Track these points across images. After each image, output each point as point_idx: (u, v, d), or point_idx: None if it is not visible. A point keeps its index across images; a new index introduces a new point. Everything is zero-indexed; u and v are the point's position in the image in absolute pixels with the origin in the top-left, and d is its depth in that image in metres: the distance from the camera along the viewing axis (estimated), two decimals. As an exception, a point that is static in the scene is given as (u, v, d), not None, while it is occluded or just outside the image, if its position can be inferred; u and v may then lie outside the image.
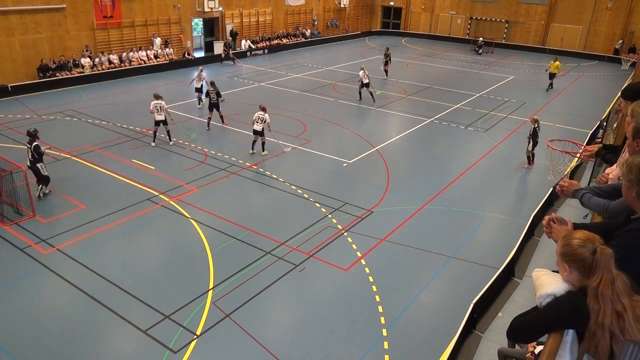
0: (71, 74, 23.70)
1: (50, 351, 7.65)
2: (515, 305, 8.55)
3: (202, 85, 20.55)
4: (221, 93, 18.32)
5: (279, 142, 16.12)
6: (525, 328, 3.08)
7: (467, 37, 41.78)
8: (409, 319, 8.60)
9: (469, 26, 42.30)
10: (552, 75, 26.04)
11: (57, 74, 23.31)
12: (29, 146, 12.13)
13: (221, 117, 18.16)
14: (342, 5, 41.74)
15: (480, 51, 37.53)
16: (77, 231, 10.93)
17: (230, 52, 30.63)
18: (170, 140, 16.14)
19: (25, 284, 9.21)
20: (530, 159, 15.34)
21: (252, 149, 15.72)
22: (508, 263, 9.38)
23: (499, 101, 23.45)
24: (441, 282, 9.72)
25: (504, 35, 40.62)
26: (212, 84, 18.00)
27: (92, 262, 9.81)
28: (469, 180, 14.48)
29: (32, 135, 12.18)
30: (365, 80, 21.78)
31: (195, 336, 7.97)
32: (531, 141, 15.03)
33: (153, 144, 15.98)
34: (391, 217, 12.05)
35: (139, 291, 9.01)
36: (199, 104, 20.98)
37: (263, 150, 15.71)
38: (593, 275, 2.75)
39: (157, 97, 15.72)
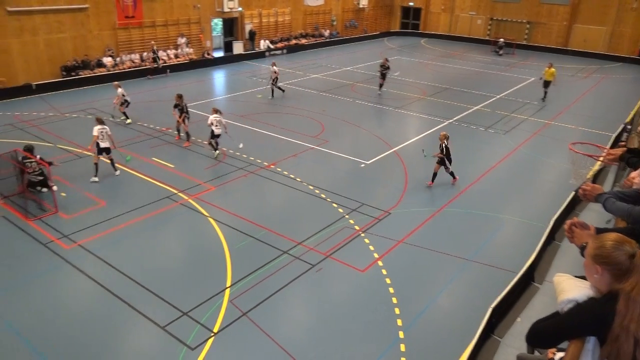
0: (93, 73, 24.09)
1: (70, 344, 7.78)
2: (534, 310, 8.42)
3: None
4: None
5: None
6: (546, 334, 3.03)
7: (487, 38, 41.36)
8: (426, 322, 8.54)
9: (489, 27, 41.86)
10: (546, 84, 23.17)
11: (80, 73, 23.71)
12: (33, 159, 12.11)
13: (186, 133, 16.70)
14: (361, 6, 41.66)
15: (500, 52, 37.11)
16: (97, 227, 11.11)
17: (159, 63, 26.37)
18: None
19: (48, 278, 9.39)
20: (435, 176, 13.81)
21: (217, 150, 15.39)
22: (528, 267, 9.25)
23: (520, 103, 23.16)
24: (459, 285, 9.64)
25: (525, 36, 40.10)
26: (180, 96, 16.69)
27: (112, 258, 9.96)
28: (488, 182, 14.33)
29: (30, 150, 12.24)
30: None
31: (213, 333, 8.03)
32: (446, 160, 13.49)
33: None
34: (409, 219, 11.99)
35: (157, 287, 9.12)
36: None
37: (217, 150, 15.40)
38: (628, 279, 2.68)
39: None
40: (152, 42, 26.40)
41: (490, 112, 21.55)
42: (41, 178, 12.33)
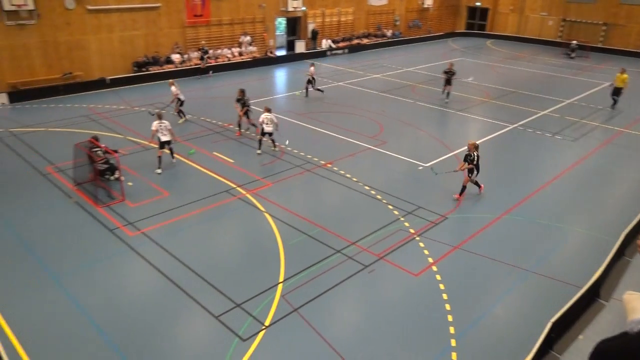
0: (162, 69, 25.15)
1: (130, 325, 8.18)
2: (598, 328, 7.97)
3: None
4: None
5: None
6: (612, 354, 2.86)
7: (558, 40, 39.45)
8: (480, 332, 8.28)
9: (561, 28, 39.91)
10: (617, 91, 21.49)
11: (150, 69, 24.83)
12: (98, 149, 12.90)
13: (252, 124, 17.10)
14: (425, 6, 40.94)
15: (572, 55, 35.28)
16: (160, 217, 11.60)
17: (205, 62, 26.25)
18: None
19: (113, 262, 9.91)
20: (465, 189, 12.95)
21: (259, 148, 15.64)
22: (593, 283, 8.76)
23: (591, 109, 21.94)
24: (517, 296, 9.28)
25: (601, 39, 37.90)
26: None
27: (172, 247, 10.37)
28: (553, 191, 13.69)
29: (96, 140, 13.11)
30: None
31: (264, 327, 8.18)
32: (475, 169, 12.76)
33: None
34: (467, 225, 11.67)
35: (213, 278, 9.40)
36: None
37: (274, 146, 15.78)
38: None
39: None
40: (202, 42, 26.73)
41: (558, 117, 20.57)
42: (107, 166, 13.03)
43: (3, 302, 8.59)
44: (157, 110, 15.75)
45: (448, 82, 22.00)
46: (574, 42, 36.08)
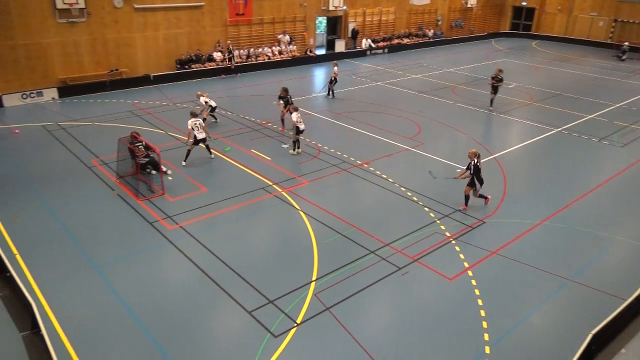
0: (204, 67, 25.65)
1: (166, 316, 8.39)
2: (643, 342, 7.65)
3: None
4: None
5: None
6: None
7: (609, 42, 37.91)
8: (516, 340, 8.07)
9: (612, 29, 38.33)
10: None
11: (192, 66, 25.37)
12: (140, 143, 13.32)
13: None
14: (468, 5, 40.13)
15: (623, 57, 33.82)
16: (198, 211, 11.84)
17: (232, 62, 26.06)
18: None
19: (152, 254, 10.19)
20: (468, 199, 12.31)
21: (298, 148, 15.58)
22: (638, 295, 8.39)
23: (642, 114, 21.01)
24: (556, 305, 8.99)
25: (655, 41, 36.18)
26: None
27: (208, 242, 10.56)
28: (598, 198, 13.19)
29: (136, 137, 13.52)
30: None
31: (296, 324, 8.23)
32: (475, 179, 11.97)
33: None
34: (505, 230, 11.39)
35: (247, 273, 9.52)
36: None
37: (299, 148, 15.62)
38: None
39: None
40: (228, 42, 26.46)
41: (606, 122, 19.78)
42: (147, 160, 13.41)
43: (48, 288, 8.97)
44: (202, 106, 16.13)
45: (495, 89, 20.48)
46: (626, 43, 34.60)
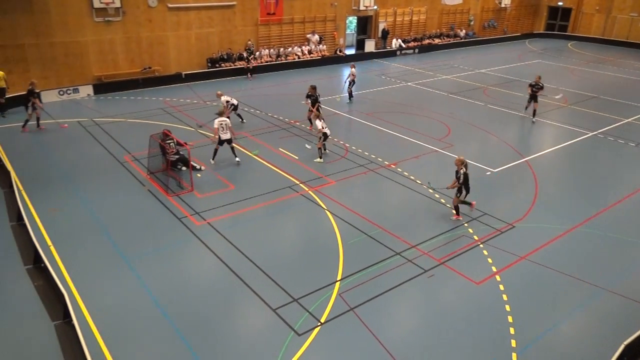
0: (234, 65, 25.93)
1: (191, 310, 8.52)
2: (679, 355, 7.36)
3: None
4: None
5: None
6: None
7: (649, 43, 36.62)
8: (544, 348, 7.88)
9: (653, 30, 37.02)
10: None
11: (223, 65, 25.68)
12: (172, 140, 13.59)
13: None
14: (502, 5, 39.38)
15: (664, 59, 32.65)
16: (225, 208, 11.98)
17: (250, 62, 25.65)
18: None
19: (179, 249, 10.36)
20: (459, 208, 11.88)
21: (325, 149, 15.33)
22: (675, 306, 8.10)
23: (684, 118, 20.22)
24: (587, 314, 8.74)
25: (699, 42, 34.77)
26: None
27: (235, 239, 10.67)
28: (634, 205, 12.76)
29: (167, 134, 13.77)
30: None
31: (319, 323, 8.23)
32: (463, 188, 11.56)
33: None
34: (535, 235, 11.13)
35: (272, 271, 9.58)
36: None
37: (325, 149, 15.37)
38: None
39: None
40: (249, 41, 25.86)
41: (644, 126, 19.15)
42: (177, 157, 13.63)
43: (79, 279, 9.23)
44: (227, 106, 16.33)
45: (534, 97, 18.89)
46: (667, 45, 33.35)
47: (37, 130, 16.90)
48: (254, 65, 25.86)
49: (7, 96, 18.49)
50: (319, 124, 14.85)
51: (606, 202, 12.81)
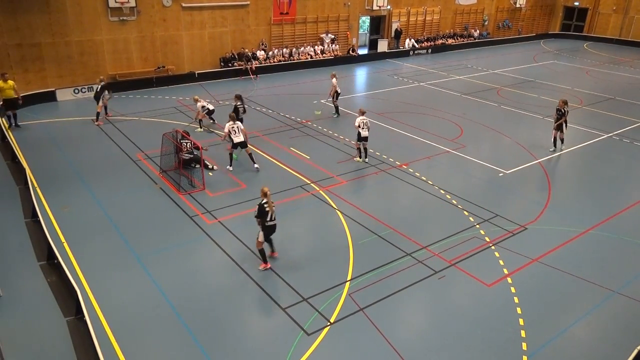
0: (247, 65, 25.98)
1: (202, 308, 8.57)
2: (694, 361, 7.23)
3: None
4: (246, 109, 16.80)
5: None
6: None
7: (667, 44, 36.02)
8: (555, 351, 7.79)
9: (671, 31, 36.41)
10: None
11: (235, 64, 25.77)
12: (188, 140, 13.75)
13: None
14: (517, 5, 39.00)
15: (683, 60, 32.07)
16: (236, 207, 12.02)
17: (252, 65, 25.65)
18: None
19: (190, 247, 10.42)
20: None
21: (364, 156, 14.94)
22: (691, 311, 7.96)
23: (702, 120, 19.85)
24: (600, 317, 8.62)
25: None
26: (239, 97, 16.36)
27: (245, 237, 10.70)
28: (649, 208, 12.57)
29: (187, 134, 13.93)
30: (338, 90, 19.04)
31: (329, 323, 8.23)
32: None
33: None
34: (548, 237, 11.02)
35: (282, 270, 9.59)
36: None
37: (366, 157, 14.95)
38: None
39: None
40: (243, 49, 25.56)
41: (661, 128, 18.84)
42: (191, 156, 13.71)
43: (92, 276, 9.33)
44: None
45: (559, 126, 16.00)
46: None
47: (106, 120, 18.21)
48: (256, 65, 25.84)
49: (23, 94, 18.60)
50: (357, 120, 14.45)
51: (620, 205, 12.64)
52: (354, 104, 21.29)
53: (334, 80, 18.75)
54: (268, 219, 9.36)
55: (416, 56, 32.76)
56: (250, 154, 14.18)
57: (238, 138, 13.88)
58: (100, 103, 17.88)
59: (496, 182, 13.84)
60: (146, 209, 11.95)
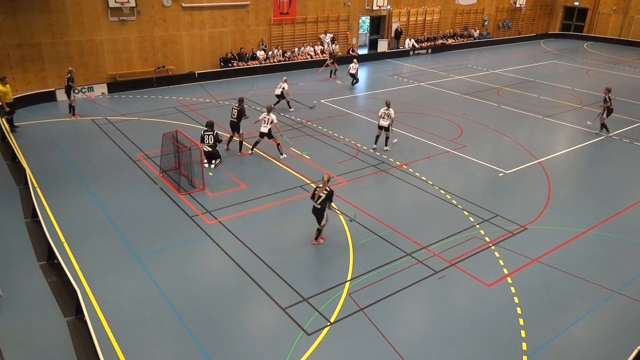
0: (247, 65, 26.03)
1: (202, 308, 8.57)
2: (694, 361, 7.23)
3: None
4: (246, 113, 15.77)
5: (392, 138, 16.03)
6: None
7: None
8: (555, 351, 7.79)
9: (671, 31, 36.42)
10: None
11: (235, 64, 25.78)
12: (211, 133, 14.05)
13: (240, 142, 15.47)
14: (517, 5, 39.01)
15: (683, 60, 32.11)
16: (236, 207, 12.02)
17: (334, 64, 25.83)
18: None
19: (191, 247, 10.42)
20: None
21: (375, 143, 15.86)
22: (691, 311, 7.96)
23: (702, 120, 19.86)
24: (600, 317, 8.63)
25: None
26: (241, 100, 15.51)
27: (245, 237, 10.71)
28: (649, 208, 12.57)
29: (211, 126, 14.16)
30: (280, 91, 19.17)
31: (329, 323, 8.23)
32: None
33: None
34: (548, 237, 11.02)
35: (282, 270, 9.60)
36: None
37: (386, 145, 15.77)
38: None
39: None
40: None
41: (661, 128, 18.84)
42: (210, 150, 14.09)
43: (92, 276, 9.33)
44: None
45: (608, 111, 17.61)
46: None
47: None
48: (256, 65, 26.14)
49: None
50: (381, 111, 15.63)
51: (620, 205, 12.64)
52: (354, 104, 21.30)
53: (285, 85, 19.17)
54: (315, 200, 10.16)
55: (416, 56, 32.76)
56: (278, 145, 14.98)
57: (264, 128, 14.64)
58: (72, 97, 18.30)
59: (496, 182, 13.84)
60: (146, 209, 11.95)
